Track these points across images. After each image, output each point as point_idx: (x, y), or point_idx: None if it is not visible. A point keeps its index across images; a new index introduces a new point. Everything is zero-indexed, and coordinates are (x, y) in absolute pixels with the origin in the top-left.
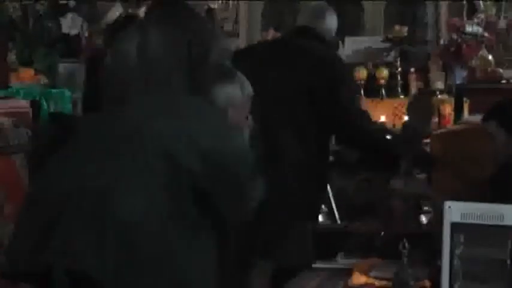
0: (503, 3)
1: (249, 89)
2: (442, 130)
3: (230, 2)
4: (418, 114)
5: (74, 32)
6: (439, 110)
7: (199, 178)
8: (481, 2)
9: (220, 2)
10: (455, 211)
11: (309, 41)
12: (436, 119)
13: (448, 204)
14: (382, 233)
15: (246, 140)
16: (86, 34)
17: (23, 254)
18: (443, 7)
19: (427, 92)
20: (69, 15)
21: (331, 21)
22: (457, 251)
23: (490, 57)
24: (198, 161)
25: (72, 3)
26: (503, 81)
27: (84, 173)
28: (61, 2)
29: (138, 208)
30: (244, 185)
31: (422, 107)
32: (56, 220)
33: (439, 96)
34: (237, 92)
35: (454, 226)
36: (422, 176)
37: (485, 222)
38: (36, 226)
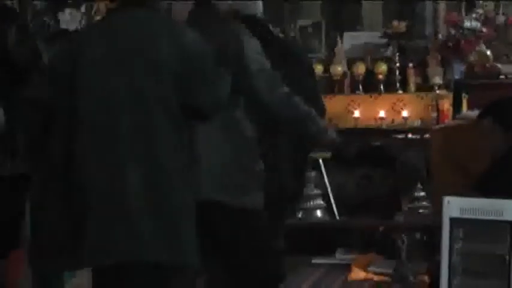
0: None
1: None
2: (441, 125)
3: None
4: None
5: (72, 27)
6: (437, 105)
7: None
8: None
9: None
10: (454, 206)
11: None
12: (435, 115)
13: (447, 199)
14: (381, 228)
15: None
16: None
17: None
18: (442, 2)
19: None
20: (68, 11)
21: None
22: (456, 246)
23: (488, 52)
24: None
25: None
26: (502, 77)
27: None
28: None
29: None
30: (212, 74)
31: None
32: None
33: (438, 92)
34: None
35: (453, 221)
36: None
37: (485, 217)
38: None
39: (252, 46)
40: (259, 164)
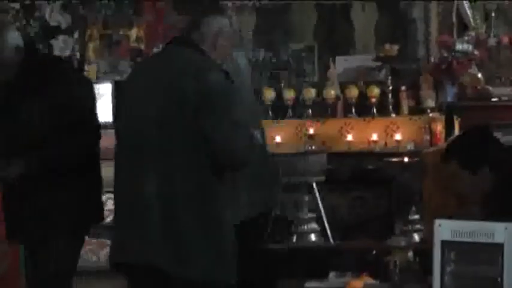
0: (493, 21)
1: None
2: (433, 148)
3: None
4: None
5: (65, 53)
6: (430, 128)
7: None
8: (471, 18)
9: None
10: (445, 229)
11: None
12: (428, 137)
13: (438, 222)
14: (374, 251)
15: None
16: (78, 55)
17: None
18: (434, 24)
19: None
20: (61, 37)
21: None
22: (448, 269)
23: (480, 75)
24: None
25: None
26: (494, 99)
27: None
28: (52, 24)
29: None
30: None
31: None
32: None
33: (430, 115)
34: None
35: (445, 244)
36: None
37: (476, 240)
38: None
39: None
40: None
